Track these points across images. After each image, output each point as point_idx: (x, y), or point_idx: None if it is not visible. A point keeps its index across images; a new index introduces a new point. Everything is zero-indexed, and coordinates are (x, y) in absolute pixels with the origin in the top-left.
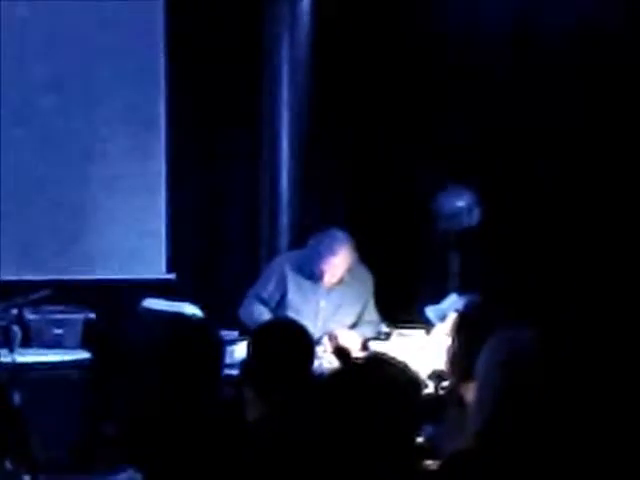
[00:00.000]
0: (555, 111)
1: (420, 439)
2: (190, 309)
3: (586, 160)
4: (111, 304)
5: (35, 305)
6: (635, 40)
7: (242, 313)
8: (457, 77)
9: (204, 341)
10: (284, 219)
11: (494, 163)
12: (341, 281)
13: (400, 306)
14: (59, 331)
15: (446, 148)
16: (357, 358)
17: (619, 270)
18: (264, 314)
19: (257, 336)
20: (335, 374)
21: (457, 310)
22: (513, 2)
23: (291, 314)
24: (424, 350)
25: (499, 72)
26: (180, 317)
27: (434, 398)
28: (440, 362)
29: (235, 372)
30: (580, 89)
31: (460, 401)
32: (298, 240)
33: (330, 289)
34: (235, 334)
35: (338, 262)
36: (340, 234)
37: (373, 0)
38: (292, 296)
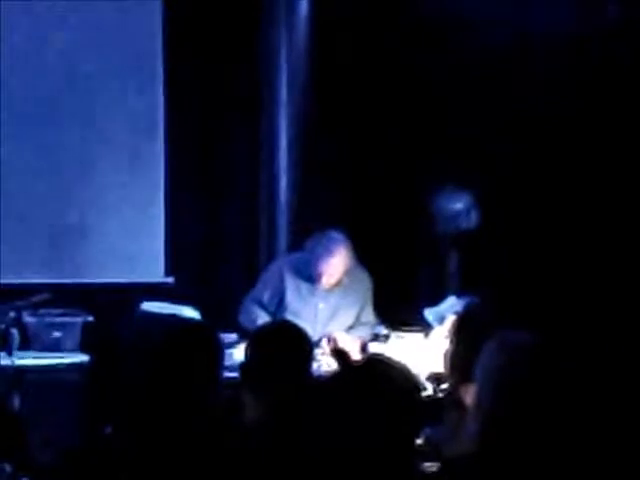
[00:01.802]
0: (554, 114)
1: (419, 441)
2: (189, 312)
3: (585, 162)
4: (110, 307)
5: (34, 308)
6: (628, 40)
7: (241, 317)
8: (455, 80)
9: (203, 344)
10: (282, 222)
11: (492, 165)
12: (339, 283)
13: (399, 308)
14: (58, 334)
15: (445, 150)
16: (356, 360)
17: (618, 272)
18: (263, 317)
19: (255, 338)
20: (334, 376)
21: (456, 312)
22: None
23: (290, 317)
24: (423, 352)
25: (498, 75)
26: (179, 320)
27: (433, 400)
28: (439, 364)
29: (234, 375)
30: (580, 93)
31: (459, 404)
32: (296, 242)
33: (328, 291)
34: (234, 337)
35: (336, 263)
36: (337, 235)
37: (371, 3)
38: (290, 299)
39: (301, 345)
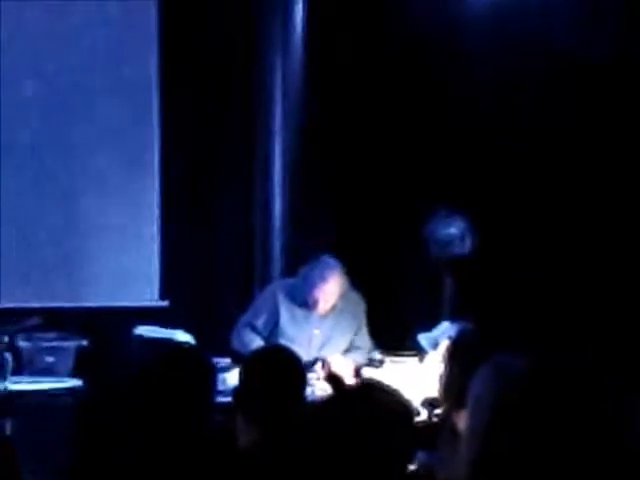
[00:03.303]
0: (550, 141)
1: (413, 466)
2: (183, 336)
3: (580, 189)
4: (104, 331)
5: (27, 332)
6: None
7: (234, 341)
8: (450, 104)
9: (196, 368)
10: (277, 246)
11: (488, 190)
12: (334, 308)
13: (393, 333)
14: (51, 359)
15: (439, 175)
16: (349, 385)
17: (613, 298)
18: (256, 341)
19: (249, 363)
20: (327, 401)
21: (450, 337)
22: (503, 24)
23: (284, 342)
24: (417, 377)
25: (495, 101)
26: (172, 344)
27: (427, 425)
28: (433, 389)
29: (227, 399)
30: (575, 120)
31: (453, 429)
32: (291, 267)
33: (323, 317)
34: (228, 361)
35: (330, 289)
36: (331, 261)
37: (367, 23)
38: (285, 324)
39: (295, 370)
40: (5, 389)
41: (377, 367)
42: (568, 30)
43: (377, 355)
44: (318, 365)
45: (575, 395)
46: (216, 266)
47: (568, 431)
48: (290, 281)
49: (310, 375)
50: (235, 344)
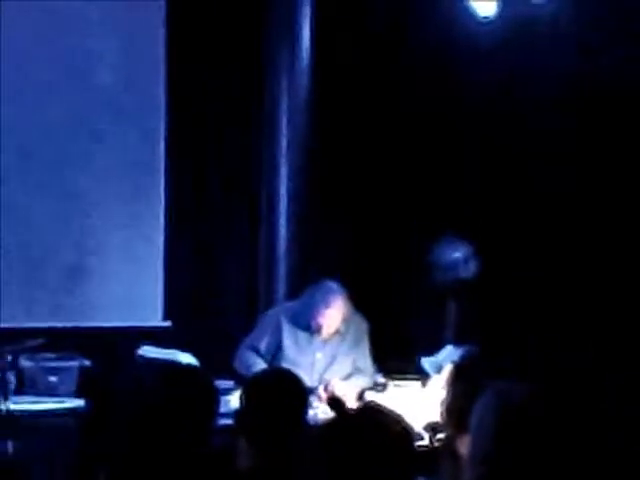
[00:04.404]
0: (552, 161)
1: None
2: (185, 357)
3: (583, 210)
4: (107, 352)
5: (30, 352)
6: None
7: (237, 363)
8: (454, 129)
9: (198, 389)
10: (281, 269)
11: (492, 215)
12: (337, 332)
13: (396, 357)
14: (54, 379)
15: (444, 199)
16: (351, 408)
17: (617, 323)
18: (259, 364)
19: (251, 385)
20: (328, 424)
21: (453, 362)
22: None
23: (287, 366)
24: (420, 402)
25: (495, 125)
26: (175, 365)
27: (429, 450)
28: (435, 414)
29: (230, 421)
30: (576, 137)
31: (455, 454)
32: (295, 290)
33: (326, 341)
34: (231, 383)
35: (333, 314)
36: (334, 286)
37: (374, 48)
38: (288, 348)
39: (297, 393)
40: (7, 409)
41: (380, 391)
42: (573, 55)
43: (380, 379)
44: (321, 388)
45: (575, 420)
46: (220, 288)
47: (570, 456)
48: (293, 305)
49: (313, 398)
50: (238, 366)
